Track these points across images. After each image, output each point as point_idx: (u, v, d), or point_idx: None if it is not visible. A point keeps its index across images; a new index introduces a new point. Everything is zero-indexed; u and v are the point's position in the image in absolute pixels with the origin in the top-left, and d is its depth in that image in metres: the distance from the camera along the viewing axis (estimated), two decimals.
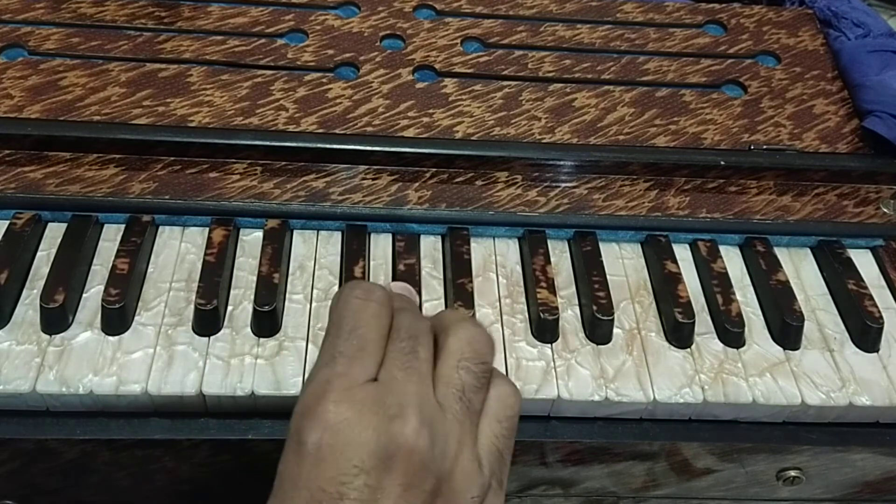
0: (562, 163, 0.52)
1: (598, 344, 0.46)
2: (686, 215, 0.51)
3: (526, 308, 0.47)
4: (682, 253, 0.50)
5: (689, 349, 0.46)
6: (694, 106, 0.56)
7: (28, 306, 0.44)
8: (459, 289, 0.46)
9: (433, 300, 0.47)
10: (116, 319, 0.43)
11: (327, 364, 0.35)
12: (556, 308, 0.46)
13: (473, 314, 0.45)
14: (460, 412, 0.35)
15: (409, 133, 0.52)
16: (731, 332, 0.46)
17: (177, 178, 0.49)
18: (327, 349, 0.36)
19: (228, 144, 0.50)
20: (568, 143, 0.53)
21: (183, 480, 0.45)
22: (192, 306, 0.44)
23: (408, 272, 0.47)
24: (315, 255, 0.48)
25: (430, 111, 0.53)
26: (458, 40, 0.58)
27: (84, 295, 0.45)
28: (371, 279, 0.47)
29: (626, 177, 0.52)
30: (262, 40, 0.56)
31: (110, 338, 0.43)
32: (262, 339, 0.44)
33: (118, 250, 0.46)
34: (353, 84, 0.54)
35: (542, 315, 0.45)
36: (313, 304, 0.46)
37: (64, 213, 0.48)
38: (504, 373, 0.44)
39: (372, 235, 0.49)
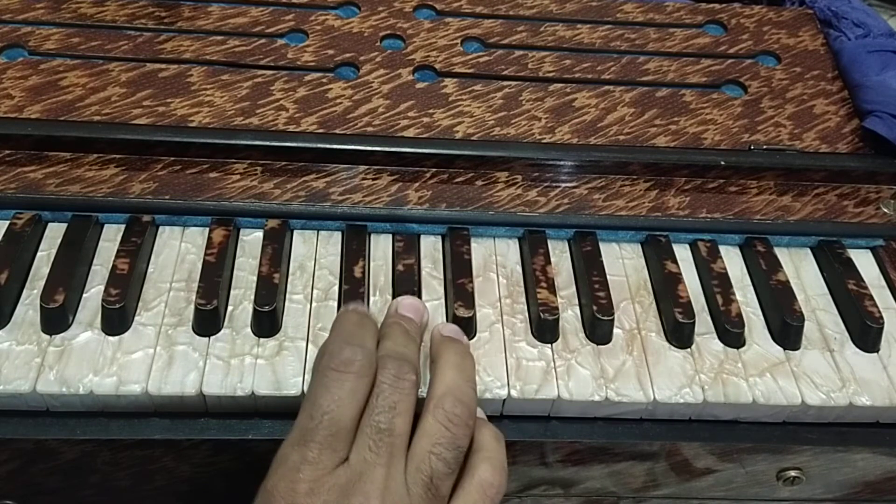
0: (562, 163, 0.52)
1: (598, 344, 0.46)
2: (686, 215, 0.51)
3: (526, 308, 0.47)
4: (682, 253, 0.50)
5: (689, 349, 0.46)
6: (694, 106, 0.56)
7: (28, 306, 0.44)
8: (459, 289, 0.46)
9: (433, 300, 0.47)
10: (116, 319, 0.43)
11: (299, 446, 0.36)
12: (556, 308, 0.46)
13: (473, 314, 0.45)
14: (426, 499, 0.36)
15: (410, 133, 0.52)
16: (731, 333, 0.46)
17: (177, 178, 0.49)
18: (301, 427, 0.37)
19: (228, 144, 0.50)
20: (568, 143, 0.53)
21: (183, 480, 0.45)
22: (192, 306, 0.44)
23: (407, 272, 0.47)
24: (315, 255, 0.48)
25: (431, 111, 0.53)
26: (459, 40, 0.58)
27: (84, 295, 0.45)
28: (371, 279, 0.47)
29: (627, 177, 0.52)
30: (263, 40, 0.56)
31: (110, 338, 0.43)
32: (262, 339, 0.44)
33: (118, 250, 0.46)
34: (354, 84, 0.54)
35: (542, 315, 0.45)
36: (313, 305, 0.46)
37: (64, 213, 0.48)
38: (506, 374, 0.44)
39: (372, 235, 0.49)
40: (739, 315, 0.46)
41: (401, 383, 0.38)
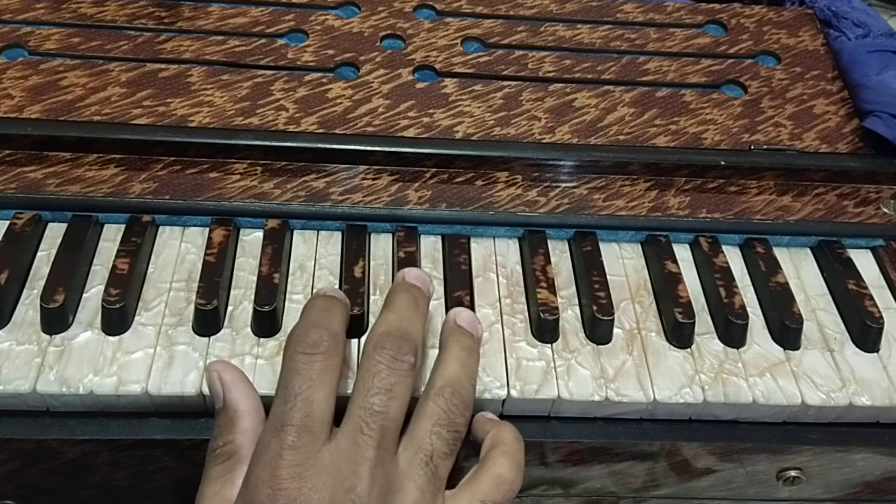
0: (562, 163, 0.52)
1: (598, 344, 0.46)
2: (686, 215, 0.51)
3: (526, 308, 0.47)
4: (682, 253, 0.50)
5: (689, 349, 0.46)
6: (694, 106, 0.56)
7: (28, 306, 0.44)
8: (457, 301, 0.46)
9: (433, 300, 0.46)
10: (116, 319, 0.43)
11: (277, 434, 0.36)
12: (556, 308, 0.46)
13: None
14: (424, 479, 0.36)
15: (410, 133, 0.52)
16: (735, 325, 0.46)
17: (177, 178, 0.49)
18: (274, 415, 0.37)
19: (228, 144, 0.50)
20: (568, 143, 0.53)
21: (183, 480, 0.45)
22: (192, 306, 0.44)
23: (408, 259, 0.47)
24: (315, 255, 0.48)
25: (431, 111, 0.53)
26: (459, 40, 0.58)
27: (84, 295, 0.45)
28: (371, 279, 0.47)
29: (627, 177, 0.52)
30: (263, 40, 0.56)
31: (110, 338, 0.43)
32: (262, 340, 0.44)
33: (118, 250, 0.46)
34: (354, 84, 0.54)
35: (542, 315, 0.45)
36: None
37: (64, 213, 0.48)
38: (506, 374, 0.44)
39: (372, 235, 0.49)
40: (743, 307, 0.46)
41: (398, 364, 0.37)
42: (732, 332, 0.46)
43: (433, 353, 0.44)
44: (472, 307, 0.46)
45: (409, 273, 0.43)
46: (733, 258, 0.50)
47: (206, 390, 0.41)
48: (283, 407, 0.36)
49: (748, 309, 0.48)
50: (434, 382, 0.39)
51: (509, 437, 0.40)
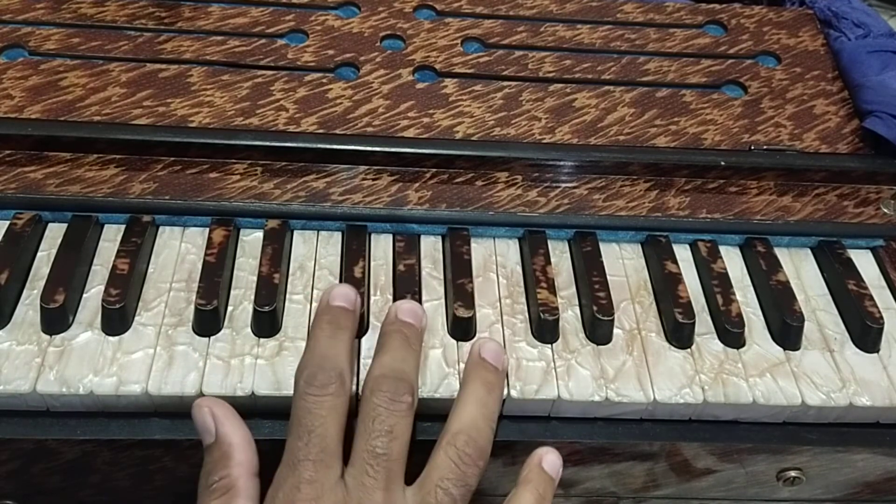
0: (562, 163, 0.52)
1: (598, 344, 0.46)
2: (686, 216, 0.51)
3: (526, 308, 0.47)
4: (683, 253, 0.50)
5: (689, 349, 0.46)
6: (694, 106, 0.56)
7: (28, 306, 0.44)
8: (459, 289, 0.46)
9: (433, 300, 0.47)
10: (116, 319, 0.43)
11: (293, 469, 0.37)
12: (557, 308, 0.46)
13: (473, 314, 0.45)
14: None
15: (410, 133, 0.52)
16: (731, 333, 0.46)
17: (177, 178, 0.49)
18: (290, 451, 0.37)
19: (228, 145, 0.50)
20: (568, 144, 0.53)
21: (183, 480, 0.45)
22: (192, 306, 0.44)
23: (407, 272, 0.47)
24: (315, 255, 0.48)
25: (431, 111, 0.53)
26: (459, 40, 0.58)
27: (84, 295, 0.45)
28: (371, 279, 0.47)
29: (627, 177, 0.52)
30: (263, 40, 0.56)
31: (110, 338, 0.43)
32: (262, 340, 0.44)
33: (118, 250, 0.46)
34: (354, 84, 0.54)
35: (542, 315, 0.45)
36: (313, 305, 0.46)
37: (64, 214, 0.48)
38: (506, 374, 0.44)
39: (372, 235, 0.49)
40: (739, 315, 0.46)
41: (397, 406, 0.38)
42: (729, 340, 0.46)
43: (433, 353, 0.44)
44: (472, 303, 0.45)
45: (401, 309, 0.42)
46: (733, 258, 0.51)
47: (205, 390, 0.41)
48: (298, 443, 0.37)
49: (748, 309, 0.48)
50: (449, 426, 0.39)
51: (545, 482, 0.40)
